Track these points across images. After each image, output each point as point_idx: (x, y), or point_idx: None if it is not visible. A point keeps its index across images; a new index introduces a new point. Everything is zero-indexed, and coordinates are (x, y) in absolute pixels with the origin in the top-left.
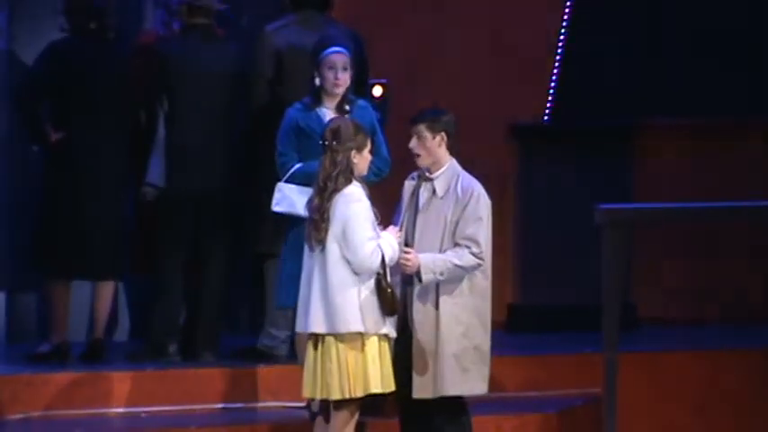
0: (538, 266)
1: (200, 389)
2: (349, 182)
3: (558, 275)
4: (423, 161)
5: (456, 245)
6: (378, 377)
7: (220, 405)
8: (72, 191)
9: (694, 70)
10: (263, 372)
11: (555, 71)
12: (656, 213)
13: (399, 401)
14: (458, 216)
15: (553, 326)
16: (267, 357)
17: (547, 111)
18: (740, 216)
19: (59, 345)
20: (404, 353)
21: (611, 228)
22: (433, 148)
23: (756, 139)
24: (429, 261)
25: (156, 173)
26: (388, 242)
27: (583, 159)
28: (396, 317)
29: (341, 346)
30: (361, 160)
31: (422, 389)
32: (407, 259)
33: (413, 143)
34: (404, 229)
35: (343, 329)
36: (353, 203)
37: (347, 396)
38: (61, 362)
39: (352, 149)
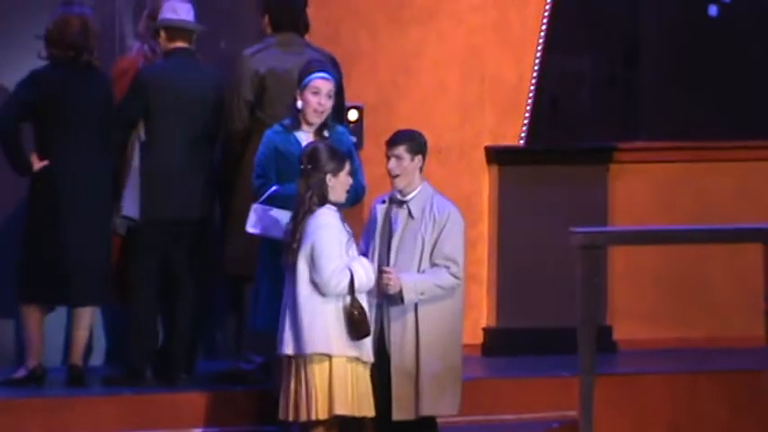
0: (513, 290)
1: (178, 413)
2: (322, 205)
3: (534, 299)
4: (400, 182)
5: (434, 265)
6: (345, 399)
7: (198, 429)
8: (54, 217)
9: (672, 92)
10: (241, 395)
11: (531, 93)
12: (632, 236)
13: (376, 424)
14: (435, 237)
15: (529, 349)
16: (244, 381)
17: (523, 133)
18: (717, 239)
19: (34, 369)
20: (381, 375)
21: (587, 250)
22: (410, 169)
23: (735, 162)
24: (410, 281)
25: (131, 205)
26: (362, 266)
27: (558, 182)
28: (370, 340)
29: (308, 367)
30: (337, 184)
31: (402, 410)
32: (389, 278)
33: (392, 164)
34: (377, 252)
35: (309, 350)
36: (323, 225)
37: (313, 418)
38: (37, 386)
39: (326, 173)
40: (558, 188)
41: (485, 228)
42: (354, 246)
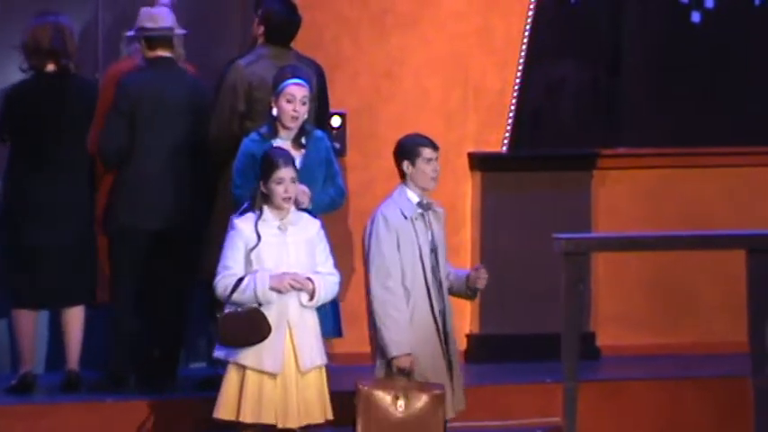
0: (496, 296)
1: (160, 419)
2: (257, 209)
3: (518, 305)
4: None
5: None
6: (224, 404)
7: None
8: (29, 221)
9: (655, 99)
10: None
11: (514, 100)
12: (616, 243)
13: None
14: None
15: (512, 355)
16: None
17: (506, 140)
18: (700, 245)
19: (25, 376)
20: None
21: (570, 257)
22: None
23: (718, 168)
24: None
25: None
26: (252, 277)
27: (542, 188)
28: (271, 351)
29: None
30: (269, 191)
31: (454, 406)
32: (485, 275)
33: (438, 167)
34: (428, 260)
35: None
36: (229, 229)
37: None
38: (26, 393)
39: (259, 180)
40: (541, 194)
41: (467, 234)
42: (268, 254)
